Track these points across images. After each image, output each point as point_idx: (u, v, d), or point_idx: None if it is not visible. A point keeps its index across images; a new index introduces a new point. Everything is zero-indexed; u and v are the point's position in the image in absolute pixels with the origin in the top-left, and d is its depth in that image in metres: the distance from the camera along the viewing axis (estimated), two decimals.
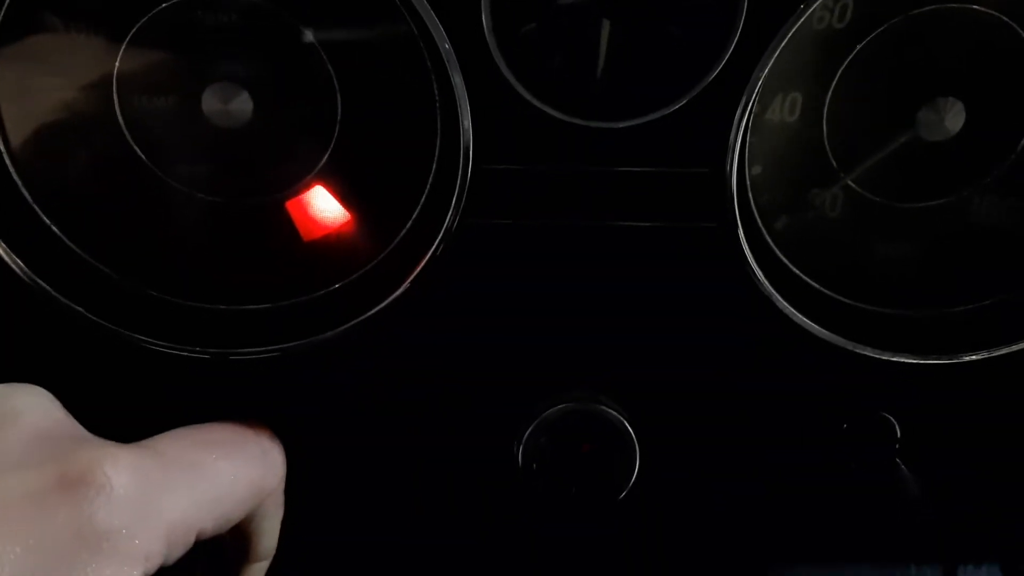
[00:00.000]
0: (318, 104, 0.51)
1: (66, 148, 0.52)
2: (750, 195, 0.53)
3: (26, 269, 0.50)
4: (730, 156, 0.49)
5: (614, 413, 0.53)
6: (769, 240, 0.55)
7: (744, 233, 0.50)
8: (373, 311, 0.51)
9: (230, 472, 0.43)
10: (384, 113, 0.51)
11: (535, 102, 0.48)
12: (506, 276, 0.52)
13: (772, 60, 0.47)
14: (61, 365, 0.50)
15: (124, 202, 0.53)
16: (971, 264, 0.56)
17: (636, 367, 0.54)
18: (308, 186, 0.53)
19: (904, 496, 0.56)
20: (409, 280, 0.51)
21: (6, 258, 0.49)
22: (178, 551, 0.39)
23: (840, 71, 0.52)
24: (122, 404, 0.48)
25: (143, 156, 0.51)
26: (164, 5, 0.49)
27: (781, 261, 0.55)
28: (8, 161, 0.51)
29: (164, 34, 0.49)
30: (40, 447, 0.38)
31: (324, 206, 0.53)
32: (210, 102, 0.49)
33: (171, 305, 0.54)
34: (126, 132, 0.51)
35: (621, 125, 0.48)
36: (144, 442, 0.41)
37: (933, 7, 0.50)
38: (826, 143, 0.53)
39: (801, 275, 0.56)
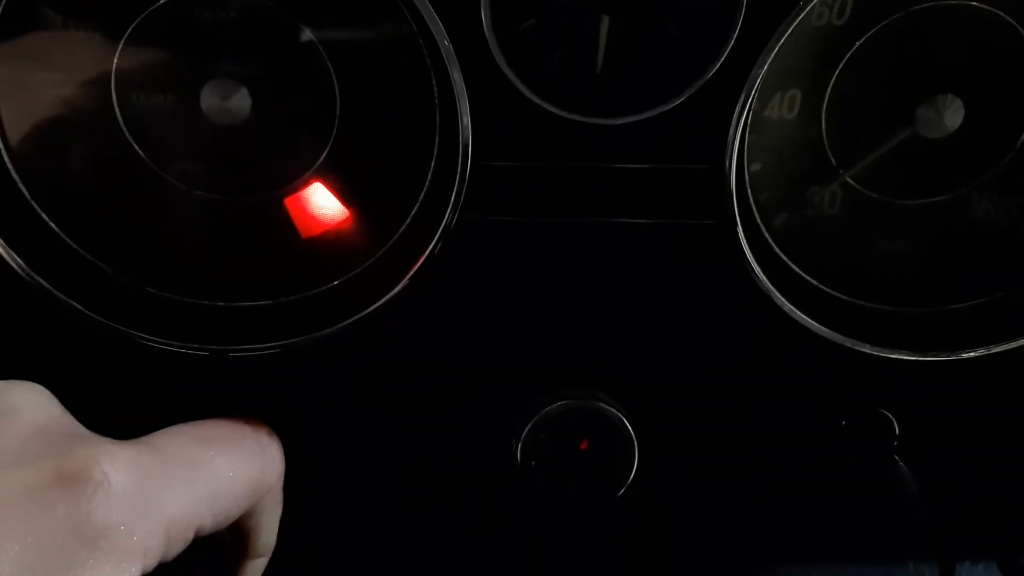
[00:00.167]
0: (317, 101, 0.51)
1: (64, 145, 0.51)
2: (749, 192, 0.53)
3: (24, 266, 0.49)
4: (729, 153, 0.49)
5: (613, 410, 0.53)
6: (768, 237, 0.55)
7: (743, 230, 0.50)
8: (372, 308, 0.51)
9: (228, 468, 0.43)
10: (383, 110, 0.51)
11: (534, 99, 0.48)
12: (505, 273, 0.52)
13: (771, 57, 0.47)
14: (59, 362, 0.50)
15: (122, 199, 0.53)
16: (970, 261, 0.56)
17: (635, 364, 0.54)
18: (307, 183, 0.53)
19: (902, 493, 0.55)
20: (408, 277, 0.51)
21: (4, 255, 0.49)
22: (177, 547, 0.39)
23: (839, 68, 0.52)
24: (120, 401, 0.48)
25: (141, 153, 0.51)
26: (162, 1, 0.49)
27: (780, 258, 0.55)
28: (6, 157, 0.51)
29: (163, 31, 0.49)
30: (38, 444, 0.38)
31: (323, 203, 0.53)
32: (209, 99, 0.49)
33: (170, 302, 0.54)
34: (124, 129, 0.51)
35: (620, 122, 0.48)
36: (142, 439, 0.41)
37: (932, 3, 0.50)
38: (825, 140, 0.53)
39: (800, 272, 0.56)
